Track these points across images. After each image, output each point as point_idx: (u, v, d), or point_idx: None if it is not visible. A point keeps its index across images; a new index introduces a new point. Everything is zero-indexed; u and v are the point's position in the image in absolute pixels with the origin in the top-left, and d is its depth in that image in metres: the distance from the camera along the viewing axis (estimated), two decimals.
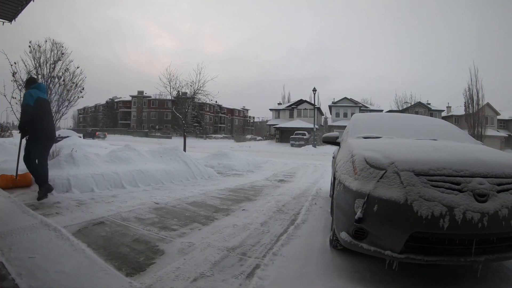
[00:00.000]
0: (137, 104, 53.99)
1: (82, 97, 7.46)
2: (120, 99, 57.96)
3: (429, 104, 36.65)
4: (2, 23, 5.04)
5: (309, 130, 30.35)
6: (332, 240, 2.39)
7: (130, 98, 55.59)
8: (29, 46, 6.75)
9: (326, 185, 5.88)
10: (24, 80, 3.94)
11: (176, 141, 24.61)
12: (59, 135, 18.47)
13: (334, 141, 3.19)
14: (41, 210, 3.14)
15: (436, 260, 1.67)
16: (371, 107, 38.73)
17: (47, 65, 6.90)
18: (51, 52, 6.97)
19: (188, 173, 5.96)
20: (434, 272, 2.04)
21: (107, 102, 59.14)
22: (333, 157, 4.01)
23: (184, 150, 9.65)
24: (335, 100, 38.51)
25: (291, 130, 31.40)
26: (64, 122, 51.68)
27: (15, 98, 6.10)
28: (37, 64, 6.79)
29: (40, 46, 6.86)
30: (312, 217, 3.42)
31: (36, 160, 3.76)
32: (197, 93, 11.26)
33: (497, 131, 33.93)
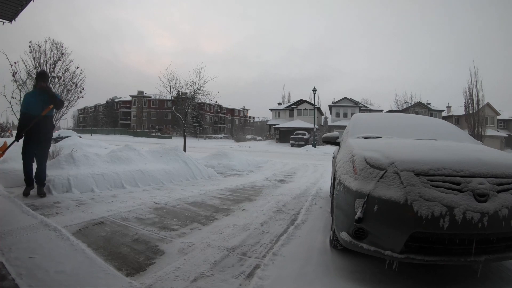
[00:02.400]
0: (137, 104, 53.94)
1: (82, 97, 7.45)
2: (120, 99, 57.93)
3: (429, 104, 36.61)
4: (2, 23, 5.04)
5: (309, 130, 30.34)
6: (332, 240, 2.39)
7: (130, 98, 55.52)
8: (29, 46, 6.74)
9: (326, 185, 5.87)
10: (36, 74, 3.96)
11: (176, 141, 24.64)
12: (59, 135, 18.59)
13: (334, 141, 3.19)
14: (41, 210, 3.15)
15: (436, 260, 1.67)
16: (371, 107, 38.72)
17: (47, 65, 6.89)
18: (51, 52, 6.96)
19: (188, 173, 5.96)
20: (434, 272, 2.04)
21: (107, 102, 59.14)
22: (333, 157, 4.01)
23: (184, 150, 9.65)
24: (335, 100, 38.49)
25: (291, 130, 31.39)
26: (64, 122, 51.80)
27: (15, 98, 6.11)
28: (37, 64, 6.77)
29: (40, 46, 6.84)
30: (312, 217, 3.42)
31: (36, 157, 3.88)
32: (197, 93, 11.26)
33: (497, 131, 33.92)
